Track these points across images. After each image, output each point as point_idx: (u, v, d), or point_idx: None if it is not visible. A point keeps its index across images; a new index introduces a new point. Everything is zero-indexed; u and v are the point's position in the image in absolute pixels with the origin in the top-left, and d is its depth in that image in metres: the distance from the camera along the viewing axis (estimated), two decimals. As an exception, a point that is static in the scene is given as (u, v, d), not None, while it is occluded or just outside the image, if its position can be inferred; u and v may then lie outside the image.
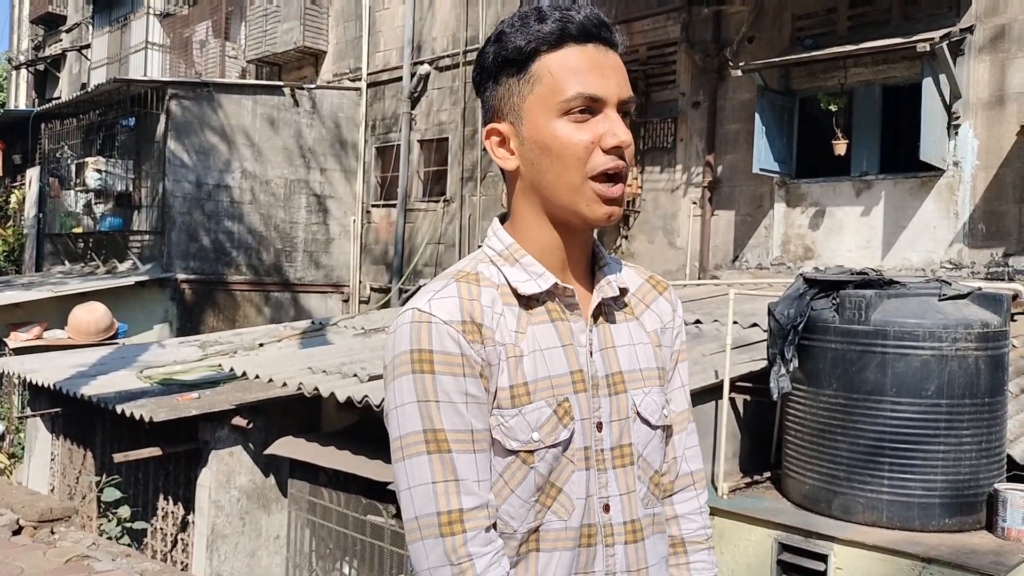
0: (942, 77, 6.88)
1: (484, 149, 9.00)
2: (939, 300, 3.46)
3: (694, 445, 1.44)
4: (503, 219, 1.33)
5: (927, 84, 6.78)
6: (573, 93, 1.19)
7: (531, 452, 1.20)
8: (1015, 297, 6.24)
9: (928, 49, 6.56)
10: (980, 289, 3.64)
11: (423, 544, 1.17)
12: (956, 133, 7.07)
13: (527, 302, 1.24)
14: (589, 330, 1.28)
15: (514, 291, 1.24)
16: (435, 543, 1.16)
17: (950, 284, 3.56)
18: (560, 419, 1.21)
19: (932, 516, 3.36)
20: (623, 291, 1.33)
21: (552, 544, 1.23)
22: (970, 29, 6.99)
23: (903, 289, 3.57)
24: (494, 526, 1.20)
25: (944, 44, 6.68)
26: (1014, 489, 3.35)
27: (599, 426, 1.26)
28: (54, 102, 15.32)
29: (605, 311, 1.31)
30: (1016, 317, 6.07)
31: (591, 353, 1.27)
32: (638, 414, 1.30)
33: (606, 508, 1.26)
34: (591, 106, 1.20)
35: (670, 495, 1.41)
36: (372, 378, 4.96)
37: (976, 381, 3.39)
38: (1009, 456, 3.66)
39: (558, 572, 1.23)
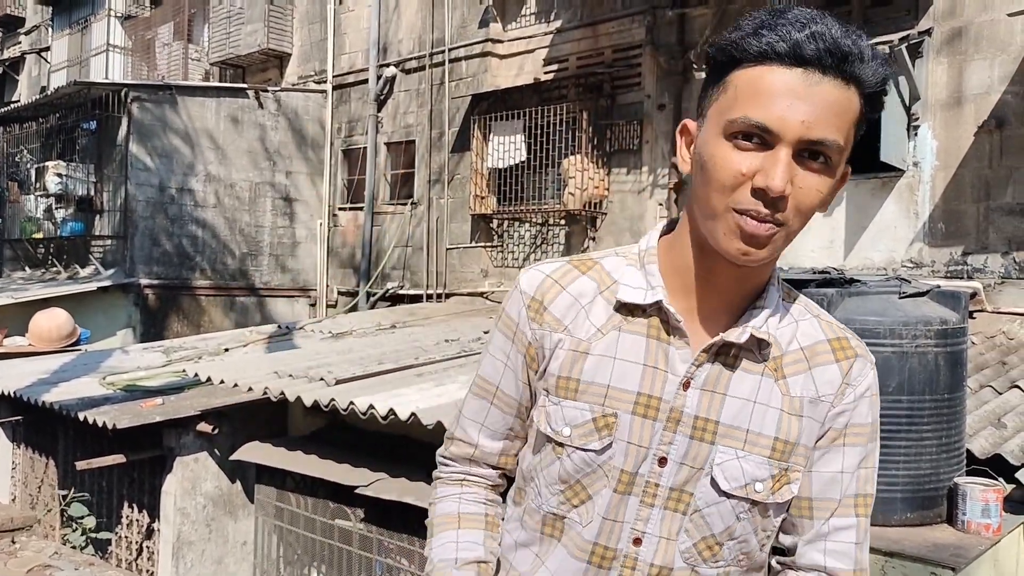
0: (901, 79, 6.99)
1: (452, 151, 8.85)
2: (899, 298, 3.51)
3: (848, 541, 1.24)
4: (673, 223, 1.25)
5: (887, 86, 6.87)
6: (739, 115, 1.06)
7: (560, 445, 1.22)
8: (973, 295, 6.37)
9: (887, 51, 6.67)
10: (939, 287, 3.70)
11: None
12: (915, 134, 7.19)
13: (629, 308, 1.21)
14: (695, 364, 1.17)
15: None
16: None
17: (909, 282, 3.61)
18: (598, 430, 1.19)
19: (894, 511, 3.41)
20: (760, 343, 1.18)
21: (570, 542, 1.23)
22: (928, 31, 7.11)
23: (864, 287, 3.61)
24: (496, 469, 1.37)
25: (903, 46, 6.79)
26: (973, 483, 3.41)
27: (661, 460, 1.18)
28: (13, 105, 15.03)
29: (725, 354, 1.18)
30: (975, 314, 6.20)
31: (685, 386, 1.17)
32: (712, 473, 1.18)
33: (636, 541, 1.20)
34: (761, 136, 1.05)
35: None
36: (339, 381, 4.93)
37: (936, 377, 3.44)
38: (968, 451, 3.72)
39: (564, 572, 1.23)
